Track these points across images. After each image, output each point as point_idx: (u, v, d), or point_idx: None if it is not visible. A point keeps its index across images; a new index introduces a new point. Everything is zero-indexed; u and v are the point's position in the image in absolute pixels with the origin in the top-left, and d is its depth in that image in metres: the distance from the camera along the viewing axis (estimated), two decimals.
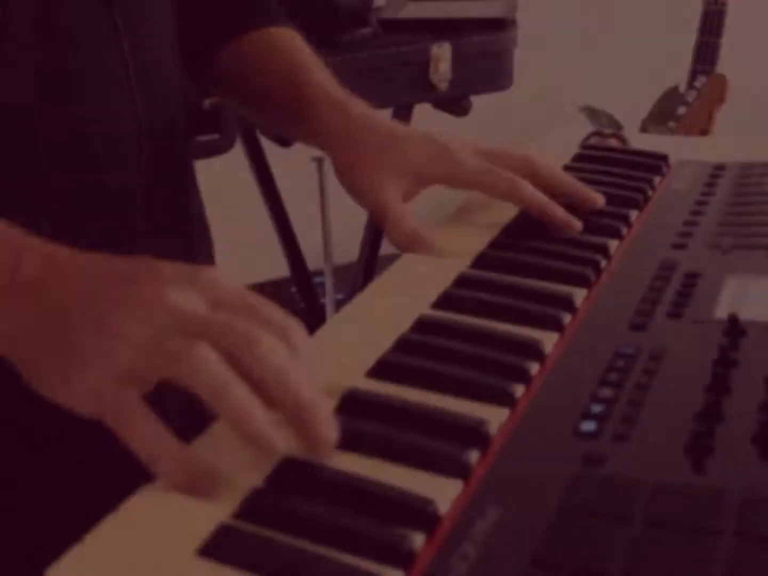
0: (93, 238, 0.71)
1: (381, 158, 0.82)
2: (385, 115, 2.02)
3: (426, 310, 0.69)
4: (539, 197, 0.81)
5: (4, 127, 0.69)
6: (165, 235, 0.80)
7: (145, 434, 0.52)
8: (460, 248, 0.78)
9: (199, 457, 0.52)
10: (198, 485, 0.51)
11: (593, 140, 1.13)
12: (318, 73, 0.88)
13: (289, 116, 0.88)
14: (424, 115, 2.07)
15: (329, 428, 0.52)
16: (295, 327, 0.55)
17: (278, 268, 2.25)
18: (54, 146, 0.72)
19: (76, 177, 0.73)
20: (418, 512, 0.48)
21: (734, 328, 0.62)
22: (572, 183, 0.84)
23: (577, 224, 0.80)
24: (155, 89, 0.79)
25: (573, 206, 0.82)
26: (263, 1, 0.95)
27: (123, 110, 0.75)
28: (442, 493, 0.49)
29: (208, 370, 0.51)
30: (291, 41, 0.92)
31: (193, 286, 0.55)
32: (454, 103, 1.90)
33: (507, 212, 0.84)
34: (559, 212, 0.81)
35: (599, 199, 0.84)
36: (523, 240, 0.78)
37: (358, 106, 0.85)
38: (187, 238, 0.87)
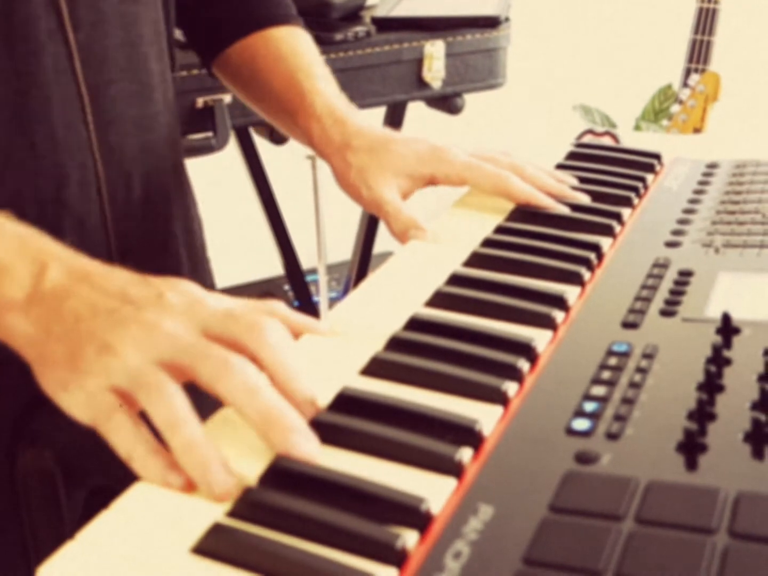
0: None
1: (375, 159, 0.87)
2: (379, 113, 2.03)
3: (419, 308, 0.69)
4: (526, 188, 0.84)
5: None
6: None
7: (128, 440, 0.54)
8: (454, 244, 0.78)
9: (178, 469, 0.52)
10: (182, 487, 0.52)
11: (587, 138, 1.14)
12: (321, 81, 0.93)
13: (291, 120, 0.93)
14: (418, 113, 2.07)
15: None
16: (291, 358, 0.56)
17: (272, 266, 2.25)
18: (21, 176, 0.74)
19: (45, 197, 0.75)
20: (411, 511, 0.48)
21: (727, 326, 0.62)
22: (558, 188, 0.86)
23: (564, 209, 0.83)
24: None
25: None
26: (275, 0, 0.99)
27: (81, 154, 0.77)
28: (435, 491, 0.49)
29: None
30: (299, 43, 0.97)
31: (193, 318, 0.57)
32: (448, 102, 1.90)
33: (503, 205, 0.84)
34: (546, 200, 0.84)
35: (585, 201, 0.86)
36: (516, 238, 0.79)
37: (356, 116, 0.91)
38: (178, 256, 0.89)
